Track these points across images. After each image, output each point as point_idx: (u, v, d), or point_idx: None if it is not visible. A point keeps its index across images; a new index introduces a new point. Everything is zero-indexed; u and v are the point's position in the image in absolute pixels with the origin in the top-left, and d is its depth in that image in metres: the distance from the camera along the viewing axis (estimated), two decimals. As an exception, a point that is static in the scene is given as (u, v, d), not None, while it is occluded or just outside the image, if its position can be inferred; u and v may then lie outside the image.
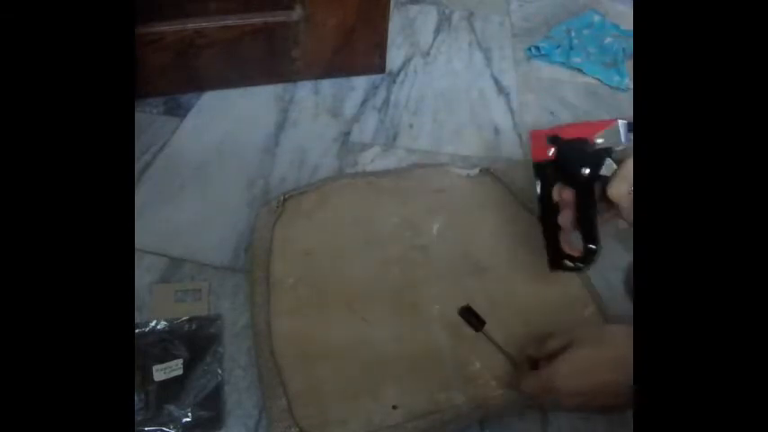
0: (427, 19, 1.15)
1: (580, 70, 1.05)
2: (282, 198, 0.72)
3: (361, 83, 0.97)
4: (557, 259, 0.61)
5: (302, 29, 0.89)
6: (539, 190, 0.62)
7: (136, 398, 0.55)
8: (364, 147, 0.86)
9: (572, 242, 0.61)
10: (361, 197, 0.75)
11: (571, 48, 1.08)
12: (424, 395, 0.56)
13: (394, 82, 0.99)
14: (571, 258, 0.60)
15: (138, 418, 0.54)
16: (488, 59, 1.06)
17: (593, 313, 0.64)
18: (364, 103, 0.94)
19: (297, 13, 0.87)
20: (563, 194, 0.60)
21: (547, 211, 0.61)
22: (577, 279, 0.67)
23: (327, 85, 0.96)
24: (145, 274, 0.67)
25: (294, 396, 0.55)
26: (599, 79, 1.03)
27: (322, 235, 0.70)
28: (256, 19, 0.86)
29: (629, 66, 1.04)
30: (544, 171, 0.61)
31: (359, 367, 0.58)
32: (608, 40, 1.11)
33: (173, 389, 0.56)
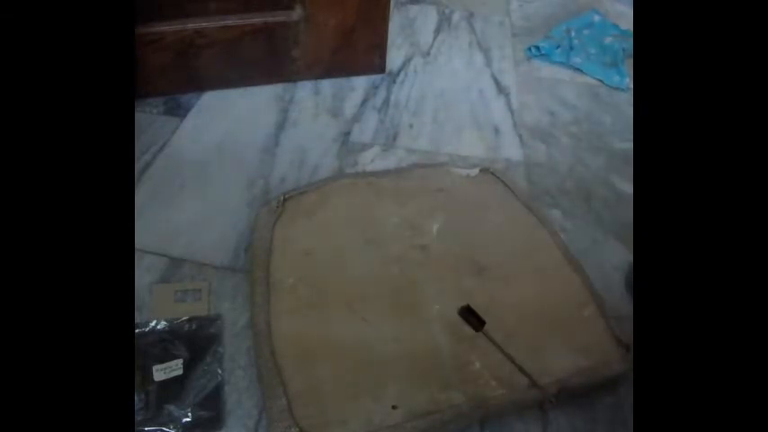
0: (427, 19, 1.15)
1: (580, 70, 1.05)
2: (282, 198, 0.72)
3: (361, 83, 0.97)
4: None
5: (302, 29, 0.89)
6: None
7: (136, 398, 0.55)
8: (364, 147, 0.86)
9: None
10: (362, 197, 0.75)
11: (571, 48, 1.08)
12: (423, 395, 0.56)
13: (394, 82, 0.99)
14: None
15: (138, 418, 0.54)
16: (488, 59, 1.06)
17: (593, 313, 0.64)
18: (364, 103, 0.94)
19: (297, 13, 0.87)
20: None
21: None
22: (577, 279, 0.67)
23: (327, 85, 0.96)
24: (145, 274, 0.67)
25: (294, 396, 0.54)
26: (599, 79, 1.04)
27: (322, 235, 0.70)
28: (256, 19, 0.86)
29: (629, 66, 1.04)
30: None
31: (359, 367, 0.58)
32: (608, 40, 1.11)
33: (173, 389, 0.56)
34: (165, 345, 0.59)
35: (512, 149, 0.88)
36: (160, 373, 0.57)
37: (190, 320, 0.61)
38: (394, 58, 1.03)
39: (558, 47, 1.08)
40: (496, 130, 0.91)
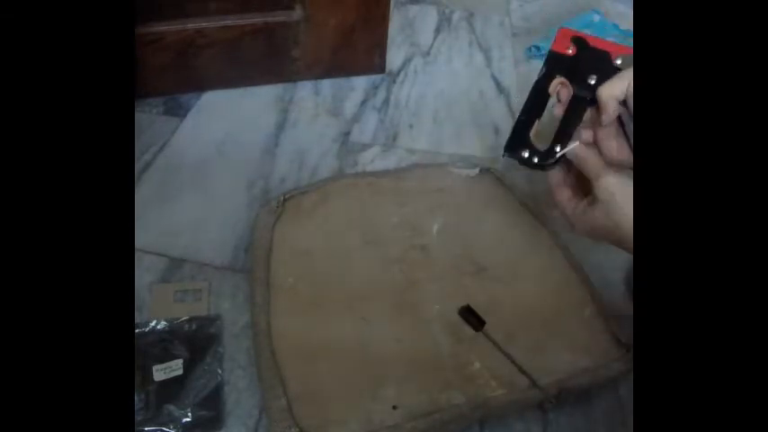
0: (427, 19, 1.15)
1: (580, 70, 1.05)
2: (282, 198, 0.72)
3: (361, 83, 0.97)
4: (515, 146, 0.59)
5: (302, 29, 0.89)
6: (540, 75, 0.59)
7: (136, 398, 0.55)
8: (364, 147, 0.86)
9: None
10: (362, 197, 0.75)
11: (571, 48, 1.08)
12: (423, 395, 0.56)
13: (394, 82, 0.99)
14: (532, 150, 0.58)
15: (138, 418, 0.54)
16: (488, 59, 1.06)
17: (593, 313, 0.64)
18: (364, 103, 0.94)
19: (297, 13, 0.87)
20: (560, 90, 0.58)
21: (534, 98, 0.59)
22: (577, 279, 0.67)
23: (327, 85, 0.96)
24: (145, 274, 0.67)
25: (294, 396, 0.54)
26: (599, 79, 1.03)
27: (322, 235, 0.70)
28: (256, 19, 0.86)
29: (629, 66, 1.04)
30: (555, 62, 0.59)
31: (359, 367, 0.58)
32: (608, 40, 1.11)
33: (173, 389, 0.56)
34: (164, 345, 0.59)
35: (512, 149, 0.88)
36: (160, 373, 0.57)
37: (190, 320, 0.61)
38: (394, 58, 1.02)
39: (557, 47, 1.08)
40: (496, 130, 0.91)
